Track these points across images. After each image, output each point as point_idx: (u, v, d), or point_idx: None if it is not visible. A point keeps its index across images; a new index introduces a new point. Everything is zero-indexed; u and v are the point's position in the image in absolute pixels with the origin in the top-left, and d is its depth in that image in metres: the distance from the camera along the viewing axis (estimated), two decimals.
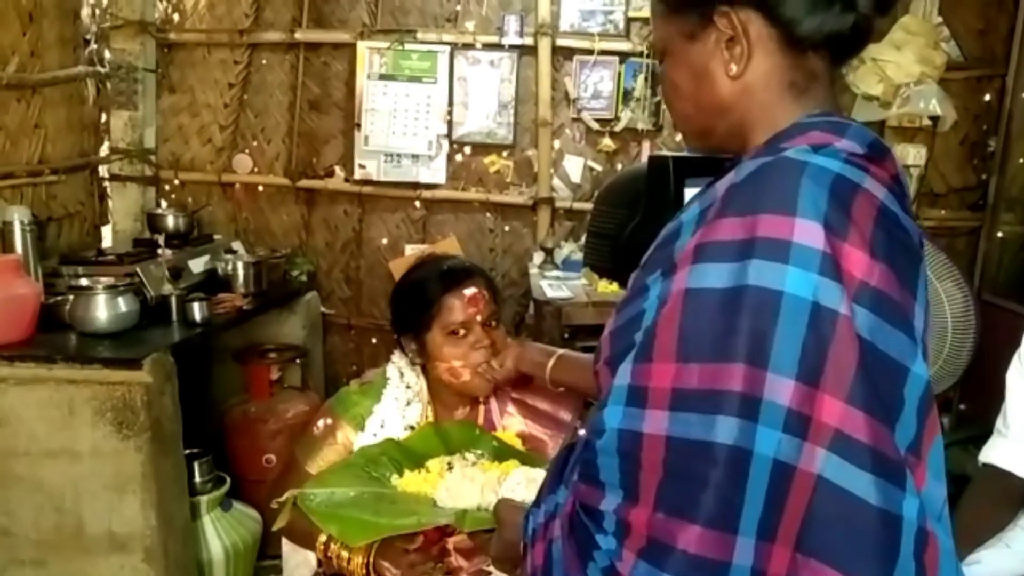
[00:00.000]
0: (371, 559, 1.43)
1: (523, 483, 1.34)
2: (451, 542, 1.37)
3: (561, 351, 1.47)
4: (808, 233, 0.67)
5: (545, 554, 0.81)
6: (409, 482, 1.41)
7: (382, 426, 1.55)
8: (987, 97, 2.98)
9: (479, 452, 1.48)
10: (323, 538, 1.49)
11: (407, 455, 1.46)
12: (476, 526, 1.24)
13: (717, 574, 0.67)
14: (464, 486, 1.34)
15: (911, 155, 2.89)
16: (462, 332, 1.51)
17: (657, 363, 0.71)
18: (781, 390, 0.66)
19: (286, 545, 1.67)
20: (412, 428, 1.57)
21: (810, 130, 0.77)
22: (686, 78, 0.85)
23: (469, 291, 1.52)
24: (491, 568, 1.45)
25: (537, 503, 0.88)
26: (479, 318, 1.52)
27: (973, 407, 2.82)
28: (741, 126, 0.84)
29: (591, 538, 0.74)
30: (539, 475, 1.25)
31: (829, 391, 0.66)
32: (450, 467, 1.44)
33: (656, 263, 0.80)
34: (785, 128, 0.79)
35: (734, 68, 0.81)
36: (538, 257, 3.10)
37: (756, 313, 0.67)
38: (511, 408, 1.59)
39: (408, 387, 1.59)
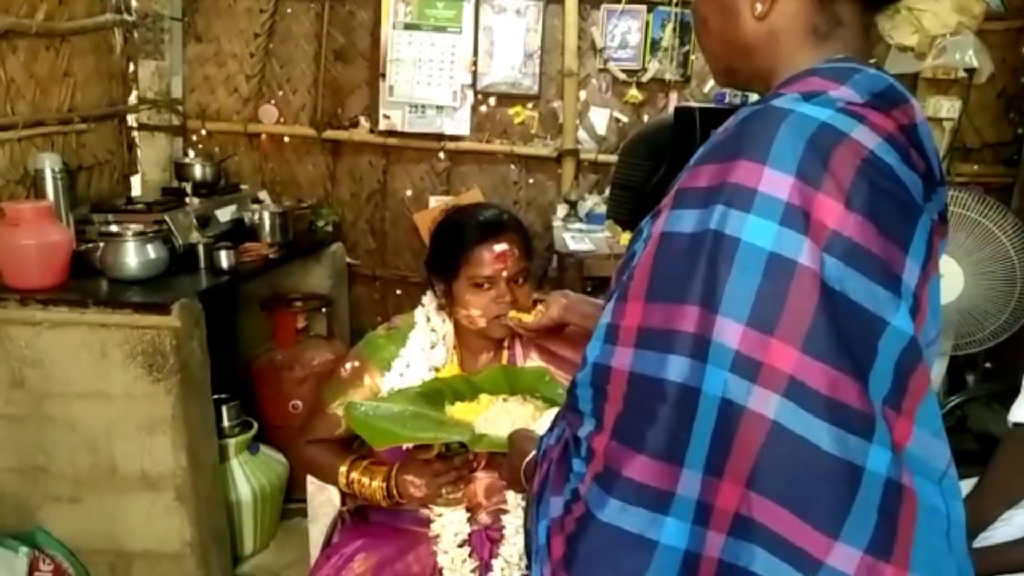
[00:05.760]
0: (391, 480, 1.50)
1: None
2: (478, 476, 1.51)
3: None
4: (774, 183, 0.68)
5: (543, 475, 0.86)
6: (458, 410, 1.46)
7: (408, 366, 1.59)
8: None
9: (539, 395, 1.48)
10: (343, 469, 1.55)
11: (471, 389, 1.51)
12: (488, 448, 1.31)
13: (660, 502, 0.71)
14: (501, 417, 1.39)
15: (944, 108, 2.82)
16: (486, 285, 1.53)
17: (631, 302, 0.75)
18: (730, 333, 0.68)
19: (311, 484, 1.72)
20: (437, 370, 1.60)
21: (812, 76, 0.76)
22: (714, 14, 0.85)
23: (499, 247, 1.52)
24: (508, 508, 1.50)
25: (551, 430, 0.92)
26: (505, 274, 1.53)
27: (998, 363, 2.80)
28: (765, 68, 0.83)
29: (570, 461, 0.80)
30: None
31: (783, 338, 0.66)
32: (505, 401, 1.47)
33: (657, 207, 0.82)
34: (796, 73, 0.78)
35: (759, 7, 0.80)
36: (562, 210, 3.09)
37: (713, 258, 0.69)
38: (534, 354, 1.62)
39: (434, 330, 1.63)
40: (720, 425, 0.68)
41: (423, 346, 1.60)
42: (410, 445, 1.52)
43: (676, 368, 0.70)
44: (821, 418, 0.66)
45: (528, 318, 1.52)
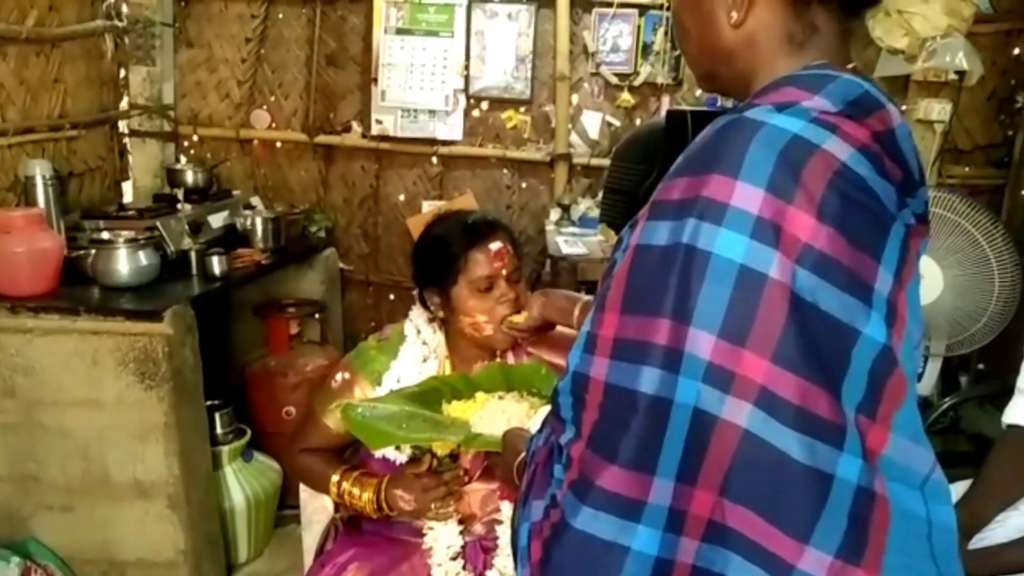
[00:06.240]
0: (381, 493, 1.50)
1: None
2: (472, 487, 1.52)
3: (586, 297, 1.45)
4: (746, 197, 0.69)
5: (530, 477, 0.87)
6: (455, 408, 1.46)
7: (398, 381, 1.57)
8: (1016, 51, 2.91)
9: (536, 391, 1.48)
10: (335, 478, 1.55)
11: (469, 386, 1.50)
12: (482, 447, 1.33)
13: (632, 510, 0.72)
14: (497, 415, 1.39)
15: (935, 111, 2.83)
16: (487, 286, 1.51)
17: (608, 313, 0.76)
18: (702, 344, 0.69)
19: (304, 492, 1.71)
20: None
21: (787, 86, 0.77)
22: (692, 20, 0.85)
23: (494, 246, 1.51)
24: (502, 518, 1.50)
25: (540, 431, 0.92)
26: (504, 272, 1.52)
27: (992, 365, 2.81)
28: (745, 74, 0.84)
29: (553, 467, 0.81)
30: None
31: (754, 349, 0.68)
32: (501, 399, 1.47)
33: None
34: (774, 80, 0.79)
35: (735, 15, 0.80)
36: (555, 214, 3.09)
37: (685, 271, 0.70)
38: (525, 361, 1.60)
39: (424, 343, 1.61)
40: (693, 434, 0.69)
41: (414, 360, 1.58)
42: (402, 460, 1.52)
43: (648, 380, 0.71)
44: (791, 427, 0.67)
45: (518, 319, 1.52)
